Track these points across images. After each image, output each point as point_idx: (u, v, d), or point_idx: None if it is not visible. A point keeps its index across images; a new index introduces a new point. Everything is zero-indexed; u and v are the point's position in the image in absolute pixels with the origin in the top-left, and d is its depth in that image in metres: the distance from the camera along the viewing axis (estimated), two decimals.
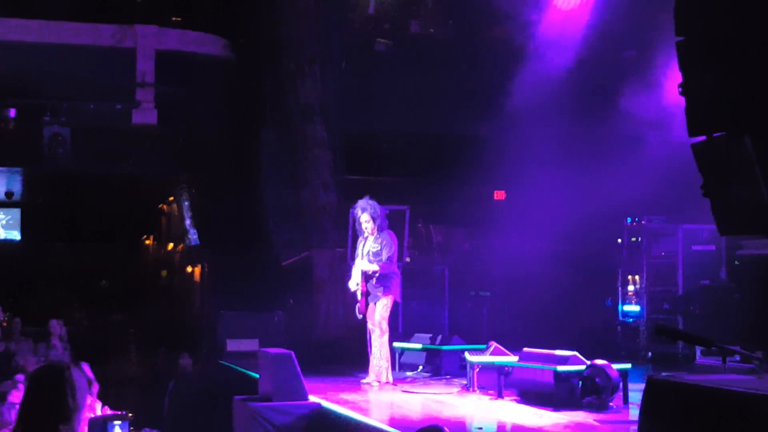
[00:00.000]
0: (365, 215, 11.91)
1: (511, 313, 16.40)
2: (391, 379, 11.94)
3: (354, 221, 12.51)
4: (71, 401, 4.62)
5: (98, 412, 8.76)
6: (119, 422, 5.43)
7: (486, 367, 11.23)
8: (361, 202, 12.03)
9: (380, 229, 11.94)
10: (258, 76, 17.65)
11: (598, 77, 16.20)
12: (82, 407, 4.70)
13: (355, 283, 11.99)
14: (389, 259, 11.86)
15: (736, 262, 14.46)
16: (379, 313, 11.84)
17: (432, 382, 12.49)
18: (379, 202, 12.09)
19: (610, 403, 9.93)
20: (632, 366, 10.70)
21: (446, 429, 5.06)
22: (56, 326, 14.40)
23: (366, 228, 11.93)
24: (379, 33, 18.02)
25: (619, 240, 16.19)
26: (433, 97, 17.67)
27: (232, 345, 15.61)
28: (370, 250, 11.91)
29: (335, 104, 17.03)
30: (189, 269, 23.51)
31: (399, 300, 12.58)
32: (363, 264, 11.91)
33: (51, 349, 13.55)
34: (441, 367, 13.00)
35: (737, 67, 5.20)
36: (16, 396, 8.97)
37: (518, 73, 15.65)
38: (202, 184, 20.24)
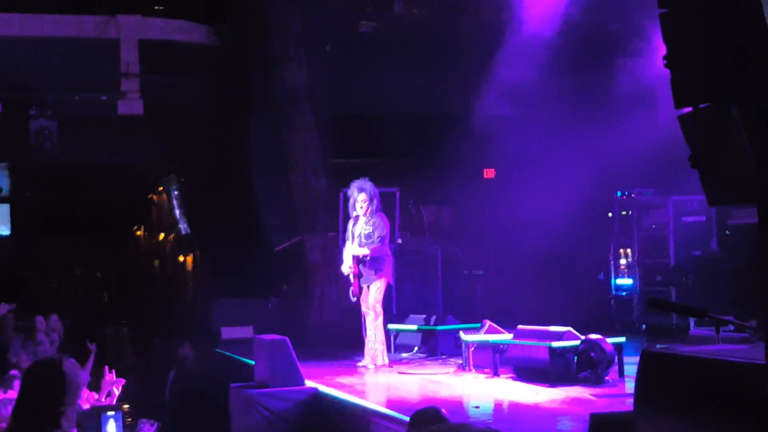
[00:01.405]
0: (363, 195, 11.89)
1: (504, 290, 16.42)
2: (386, 361, 11.94)
3: (346, 202, 12.50)
4: (66, 397, 4.61)
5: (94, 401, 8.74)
6: (113, 413, 5.42)
7: (481, 346, 11.26)
8: (359, 182, 12.01)
9: (374, 212, 11.94)
10: (243, 62, 17.60)
11: (585, 51, 16.18)
12: (76, 401, 4.68)
13: (347, 266, 11.98)
14: (381, 239, 11.84)
15: (727, 232, 14.50)
16: (372, 297, 11.85)
17: (428, 362, 12.51)
18: (374, 184, 12.09)
19: (606, 377, 9.97)
20: (627, 339, 10.73)
21: (443, 410, 5.06)
22: (42, 322, 14.34)
23: (361, 208, 11.90)
24: (362, 15, 17.96)
25: (610, 214, 16.22)
26: (420, 77, 17.63)
27: (227, 333, 15.63)
28: (361, 233, 11.89)
29: (322, 88, 16.98)
30: (181, 259, 23.50)
31: (392, 282, 12.59)
32: (354, 248, 11.90)
33: (38, 345, 13.51)
34: (436, 347, 13.03)
35: (721, 36, 5.18)
36: (12, 392, 8.95)
37: (504, 50, 15.62)
38: (191, 173, 20.21)
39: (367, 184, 11.97)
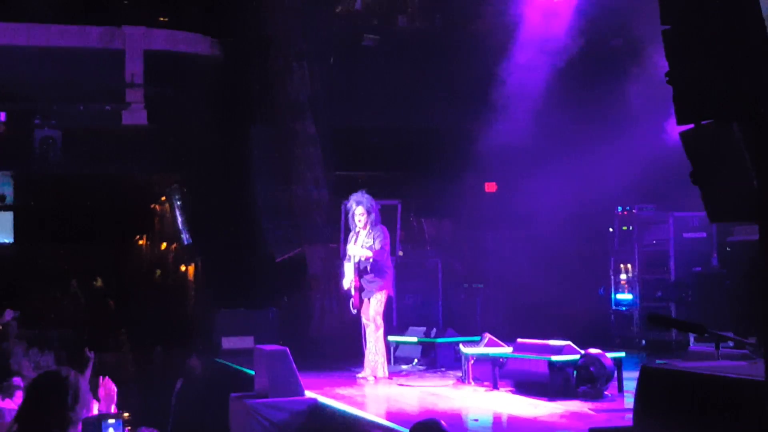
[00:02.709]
0: (360, 208, 11.93)
1: (504, 304, 16.42)
2: (386, 373, 11.95)
3: (346, 216, 12.52)
4: (71, 409, 4.60)
5: (94, 411, 8.75)
6: (113, 421, 5.42)
7: (481, 359, 11.26)
8: (356, 196, 12.05)
9: (374, 224, 11.96)
10: (247, 73, 17.67)
11: (588, 67, 16.21)
12: (83, 414, 4.66)
13: (348, 280, 12.01)
14: (382, 248, 11.86)
15: (728, 249, 14.48)
16: (373, 309, 11.86)
17: (427, 375, 12.52)
18: (371, 197, 12.12)
19: (605, 392, 9.97)
20: (626, 354, 10.73)
21: (443, 422, 5.09)
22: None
23: (360, 221, 11.93)
24: (366, 28, 18.03)
25: (611, 229, 16.22)
26: (422, 90, 17.68)
27: (228, 343, 15.63)
28: (362, 245, 11.92)
29: (324, 100, 17.04)
30: (183, 268, 23.49)
31: (393, 295, 12.60)
32: (356, 249, 11.89)
33: (41, 355, 13.54)
34: (436, 359, 13.04)
35: (724, 54, 5.22)
36: (11, 401, 8.96)
37: (506, 65, 15.67)
38: (194, 183, 20.24)
39: (364, 197, 12.00)
